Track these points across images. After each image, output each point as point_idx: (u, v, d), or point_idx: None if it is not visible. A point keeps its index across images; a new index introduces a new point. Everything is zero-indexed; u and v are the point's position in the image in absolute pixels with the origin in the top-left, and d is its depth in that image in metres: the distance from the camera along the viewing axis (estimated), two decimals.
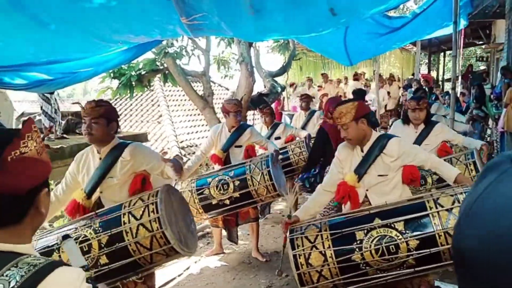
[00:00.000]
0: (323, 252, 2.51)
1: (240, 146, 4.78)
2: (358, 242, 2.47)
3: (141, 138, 8.25)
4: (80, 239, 2.63)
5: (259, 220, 5.16)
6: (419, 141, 4.10)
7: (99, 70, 3.93)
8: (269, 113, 6.26)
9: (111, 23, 2.48)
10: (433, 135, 4.17)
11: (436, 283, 3.79)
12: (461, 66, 15.48)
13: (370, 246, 2.44)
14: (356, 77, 14.25)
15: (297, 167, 5.95)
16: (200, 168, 5.90)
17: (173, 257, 2.80)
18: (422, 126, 4.23)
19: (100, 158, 3.03)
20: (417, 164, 2.82)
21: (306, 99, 7.38)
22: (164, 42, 6.59)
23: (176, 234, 2.67)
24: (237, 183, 4.34)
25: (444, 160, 3.95)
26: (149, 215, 2.63)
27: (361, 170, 2.80)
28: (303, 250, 2.54)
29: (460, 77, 14.24)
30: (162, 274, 4.65)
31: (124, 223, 2.64)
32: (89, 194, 3.00)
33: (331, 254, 2.50)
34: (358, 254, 2.46)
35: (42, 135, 1.88)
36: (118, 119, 3.15)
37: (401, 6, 18.25)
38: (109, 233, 2.62)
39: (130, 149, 3.03)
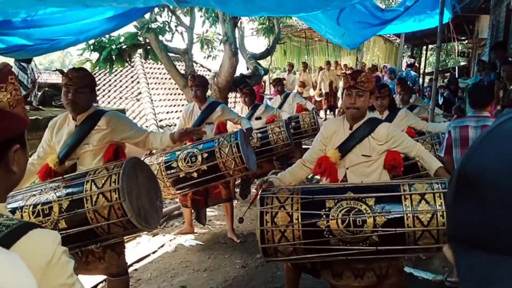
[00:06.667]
0: (290, 213, 2.53)
1: (212, 123, 4.75)
2: (327, 209, 2.49)
3: None
4: (42, 201, 2.66)
5: (237, 202, 5.10)
6: None
7: (80, 38, 3.81)
8: (249, 94, 6.20)
9: None
10: (398, 120, 4.35)
11: (409, 270, 3.86)
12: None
13: (338, 215, 2.46)
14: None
15: (276, 146, 5.91)
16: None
17: (131, 230, 2.80)
18: (387, 113, 4.42)
19: (76, 125, 2.99)
20: (402, 150, 2.81)
21: (279, 82, 7.52)
22: (147, 17, 6.43)
23: (135, 208, 2.66)
24: (205, 155, 4.29)
25: None
26: (110, 185, 2.63)
27: (345, 147, 2.79)
28: (271, 208, 2.57)
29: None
30: (136, 251, 4.61)
31: (86, 190, 2.66)
32: (62, 160, 2.96)
33: (298, 216, 2.52)
34: (324, 221, 2.47)
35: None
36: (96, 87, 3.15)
37: None
38: (70, 198, 2.64)
39: (107, 117, 3.00)
